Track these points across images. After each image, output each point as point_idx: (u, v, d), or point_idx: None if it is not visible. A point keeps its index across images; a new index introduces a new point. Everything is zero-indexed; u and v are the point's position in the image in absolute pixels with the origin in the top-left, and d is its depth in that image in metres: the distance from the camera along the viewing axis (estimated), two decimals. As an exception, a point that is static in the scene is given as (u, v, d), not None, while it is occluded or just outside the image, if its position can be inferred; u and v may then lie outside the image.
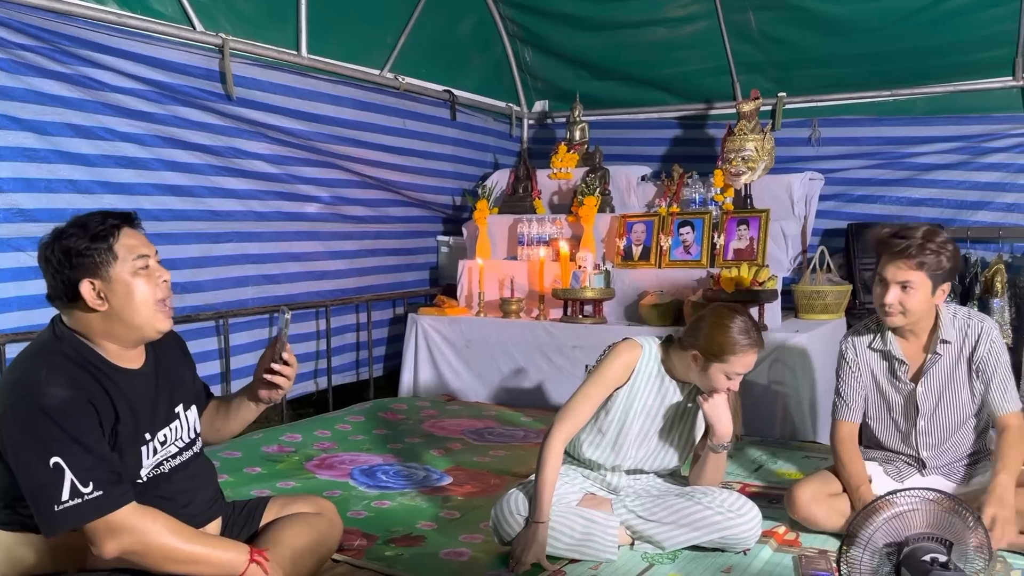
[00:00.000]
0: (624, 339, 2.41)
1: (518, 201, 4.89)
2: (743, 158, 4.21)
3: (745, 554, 2.33)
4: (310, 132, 4.06)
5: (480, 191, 4.88)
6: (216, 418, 2.00)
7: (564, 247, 4.35)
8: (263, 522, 2.00)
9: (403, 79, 4.59)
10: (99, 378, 1.65)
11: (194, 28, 3.51)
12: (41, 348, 1.67)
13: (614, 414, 2.39)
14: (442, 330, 4.46)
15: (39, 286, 2.98)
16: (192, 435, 1.87)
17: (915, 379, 2.51)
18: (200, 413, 1.95)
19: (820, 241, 4.46)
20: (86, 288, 1.65)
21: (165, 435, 1.77)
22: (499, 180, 5.05)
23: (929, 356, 2.48)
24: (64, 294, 1.67)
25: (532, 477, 2.34)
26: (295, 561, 1.90)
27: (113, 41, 3.20)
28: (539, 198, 4.90)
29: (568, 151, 4.90)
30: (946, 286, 2.39)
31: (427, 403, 4.22)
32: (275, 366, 1.86)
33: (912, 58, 4.33)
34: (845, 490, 2.51)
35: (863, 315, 4.22)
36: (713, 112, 5.00)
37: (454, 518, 2.67)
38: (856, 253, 4.32)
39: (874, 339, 2.56)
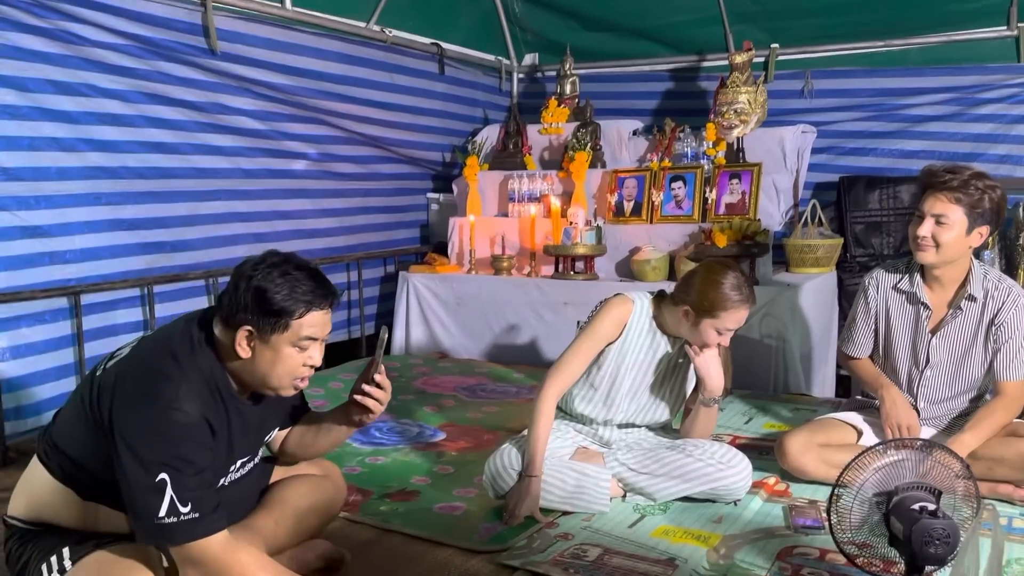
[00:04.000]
0: (616, 295, 2.41)
1: (508, 157, 4.84)
2: (735, 111, 4.17)
3: (736, 504, 2.35)
4: (295, 87, 4.00)
5: (470, 147, 4.83)
6: (306, 434, 1.98)
7: (555, 203, 4.33)
8: (271, 480, 2.02)
9: (390, 32, 4.51)
10: (226, 407, 1.65)
11: (175, -20, 3.44)
12: (180, 354, 1.62)
13: (606, 369, 2.39)
14: (433, 288, 4.45)
15: (24, 246, 3.02)
16: (262, 451, 1.89)
17: (933, 331, 2.49)
18: (285, 430, 1.97)
19: (812, 195, 4.43)
20: (242, 335, 1.61)
21: (243, 461, 1.79)
22: (489, 136, 5.00)
23: (951, 311, 2.46)
24: (227, 319, 1.63)
25: (525, 432, 2.36)
26: (299, 520, 1.92)
27: (92, -6, 3.13)
28: (529, 154, 4.85)
29: (559, 105, 4.84)
30: (984, 229, 2.34)
31: (419, 360, 4.22)
32: (367, 388, 1.84)
33: (906, 8, 4.27)
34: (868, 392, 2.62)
35: (854, 268, 4.24)
36: (705, 64, 4.94)
37: (448, 473, 2.69)
38: (847, 206, 4.30)
39: (902, 279, 2.53)
